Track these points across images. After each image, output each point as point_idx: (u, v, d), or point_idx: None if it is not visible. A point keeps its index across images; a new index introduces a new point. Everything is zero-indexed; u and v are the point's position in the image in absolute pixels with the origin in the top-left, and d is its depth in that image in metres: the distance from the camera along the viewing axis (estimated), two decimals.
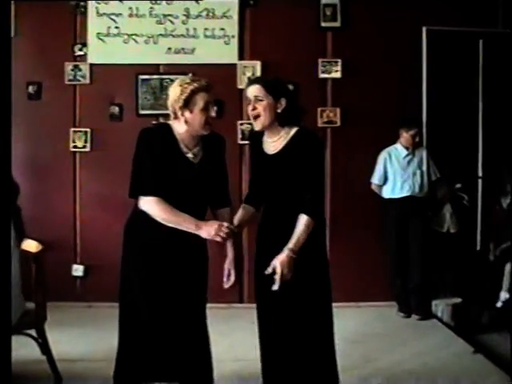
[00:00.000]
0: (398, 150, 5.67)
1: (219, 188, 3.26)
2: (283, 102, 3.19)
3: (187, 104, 3.04)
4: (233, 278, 3.25)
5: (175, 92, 3.06)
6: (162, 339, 3.10)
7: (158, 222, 3.04)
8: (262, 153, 3.29)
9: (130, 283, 3.15)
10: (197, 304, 3.21)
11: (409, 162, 5.64)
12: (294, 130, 3.20)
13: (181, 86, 3.05)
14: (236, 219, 3.30)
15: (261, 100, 3.16)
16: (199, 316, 3.22)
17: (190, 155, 3.10)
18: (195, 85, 3.04)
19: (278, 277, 3.01)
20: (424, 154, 5.68)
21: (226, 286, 3.27)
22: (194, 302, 3.18)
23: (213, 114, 3.07)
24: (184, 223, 3.01)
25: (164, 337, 3.09)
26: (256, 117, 3.18)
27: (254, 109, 3.17)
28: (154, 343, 3.11)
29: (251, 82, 3.37)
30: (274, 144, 3.23)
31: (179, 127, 3.10)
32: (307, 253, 3.15)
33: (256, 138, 3.35)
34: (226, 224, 3.01)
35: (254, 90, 3.19)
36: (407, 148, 5.63)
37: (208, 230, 2.98)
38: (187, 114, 3.05)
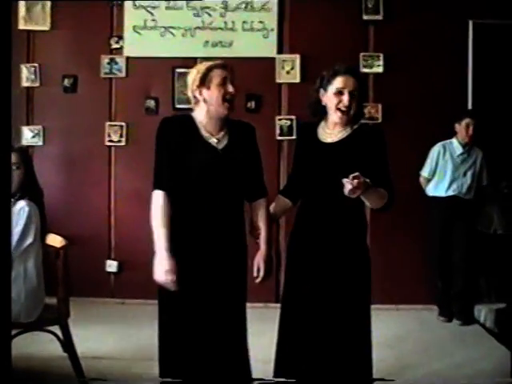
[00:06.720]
0: (454, 145, 5.44)
1: (252, 178, 3.15)
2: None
3: (204, 81, 3.00)
4: (261, 273, 3.13)
5: (192, 74, 3.07)
6: (197, 337, 3.03)
7: (185, 214, 3.00)
8: (317, 142, 3.19)
9: None
10: (235, 302, 3.12)
11: (462, 161, 5.42)
12: (357, 124, 3.16)
13: (196, 68, 3.08)
14: (271, 208, 3.25)
15: (354, 96, 3.09)
16: (237, 315, 3.14)
17: (212, 140, 3.04)
18: (210, 63, 3.04)
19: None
20: (479, 156, 5.45)
21: (257, 281, 3.16)
22: (231, 299, 3.10)
23: (230, 89, 3.00)
24: (155, 234, 2.98)
25: (198, 335, 3.03)
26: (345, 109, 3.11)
27: (350, 103, 3.08)
28: (190, 341, 3.04)
29: (348, 71, 3.14)
30: (334, 134, 3.16)
31: (200, 113, 3.07)
32: (352, 254, 3.11)
33: (308, 127, 3.27)
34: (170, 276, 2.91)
35: (351, 84, 3.09)
36: (464, 146, 5.41)
37: (156, 267, 2.95)
38: (204, 91, 3.02)
